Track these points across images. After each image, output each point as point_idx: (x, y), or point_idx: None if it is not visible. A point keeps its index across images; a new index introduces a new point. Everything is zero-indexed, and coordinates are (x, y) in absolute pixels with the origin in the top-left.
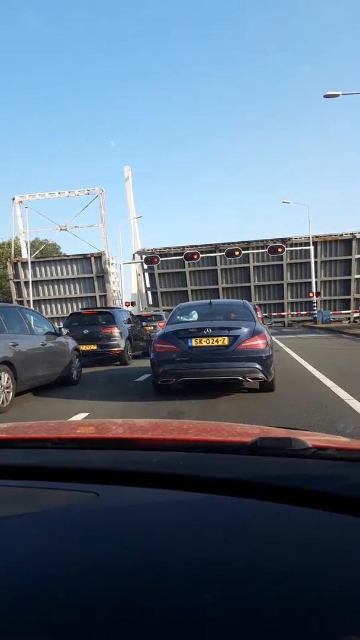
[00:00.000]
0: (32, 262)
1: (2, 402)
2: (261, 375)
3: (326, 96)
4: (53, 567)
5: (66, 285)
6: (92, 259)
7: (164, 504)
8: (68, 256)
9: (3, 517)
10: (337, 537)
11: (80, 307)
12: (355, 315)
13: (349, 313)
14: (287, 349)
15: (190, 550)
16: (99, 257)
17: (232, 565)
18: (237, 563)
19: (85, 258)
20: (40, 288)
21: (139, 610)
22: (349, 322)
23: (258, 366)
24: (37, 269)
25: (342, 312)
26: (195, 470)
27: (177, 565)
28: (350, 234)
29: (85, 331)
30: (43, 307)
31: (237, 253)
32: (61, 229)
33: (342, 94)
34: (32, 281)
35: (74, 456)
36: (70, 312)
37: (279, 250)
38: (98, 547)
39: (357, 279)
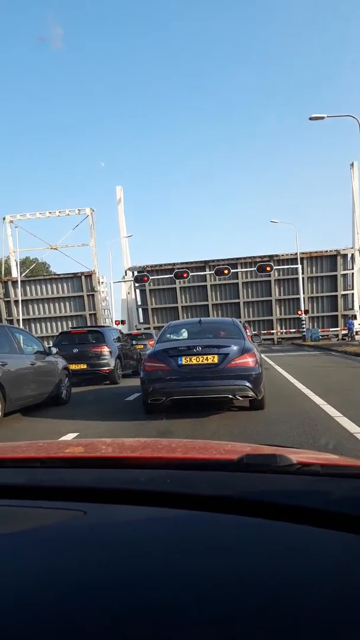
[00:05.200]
0: (22, 281)
1: None
2: (251, 393)
3: (311, 118)
4: (42, 585)
5: (56, 304)
6: (83, 277)
7: (151, 520)
8: (58, 275)
9: None
10: (320, 551)
11: (70, 325)
12: (344, 332)
13: (337, 330)
14: (276, 367)
15: (177, 565)
16: (89, 275)
17: (219, 579)
18: (224, 577)
19: (75, 277)
20: (30, 307)
21: (129, 626)
22: (338, 340)
23: (248, 384)
24: (27, 287)
25: (331, 329)
26: (181, 488)
27: (165, 580)
28: (335, 250)
29: (75, 350)
30: (33, 325)
31: (226, 272)
32: (51, 248)
33: (327, 117)
34: (22, 300)
35: (62, 475)
36: (60, 330)
37: (267, 269)
38: (87, 564)
39: (343, 295)
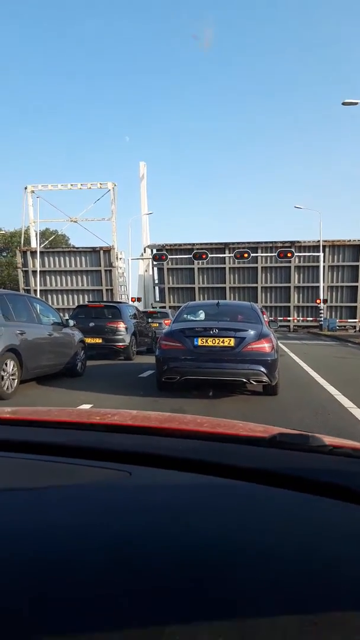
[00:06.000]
0: (41, 252)
1: (7, 389)
2: (265, 379)
3: (344, 104)
4: (84, 535)
5: (73, 277)
6: (101, 252)
7: (192, 485)
8: (77, 248)
9: (42, 488)
10: (352, 524)
11: (86, 299)
12: None
13: (355, 322)
14: (292, 354)
15: (215, 528)
16: (107, 251)
17: (253, 542)
18: (259, 542)
19: (94, 251)
20: (47, 278)
21: (164, 577)
22: (355, 331)
23: (263, 369)
24: (46, 259)
25: (349, 320)
26: (218, 458)
27: (204, 540)
28: (358, 240)
29: (92, 324)
30: (49, 297)
31: (245, 255)
32: (71, 221)
33: None
34: (40, 271)
35: (104, 438)
36: (76, 303)
37: (289, 255)
38: (131, 522)
39: None
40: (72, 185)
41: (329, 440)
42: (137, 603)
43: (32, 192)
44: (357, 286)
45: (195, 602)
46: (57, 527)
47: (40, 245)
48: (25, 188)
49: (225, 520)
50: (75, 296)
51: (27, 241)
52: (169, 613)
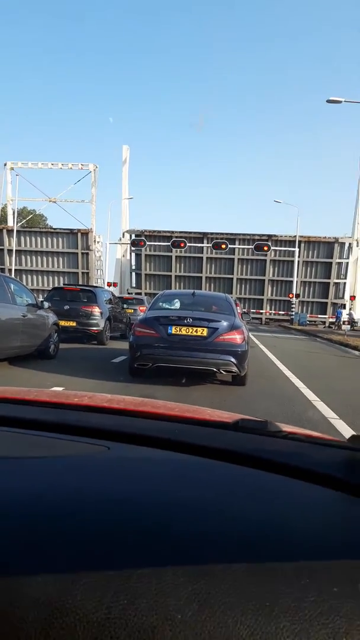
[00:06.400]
0: (17, 231)
1: None
2: (235, 369)
3: (329, 101)
4: (69, 501)
5: (50, 258)
6: (79, 234)
7: (165, 460)
8: (55, 229)
9: (26, 457)
10: (299, 496)
11: (62, 281)
12: (331, 320)
13: (325, 318)
14: (262, 347)
15: (184, 497)
16: (85, 233)
17: (218, 508)
18: (222, 507)
19: (72, 233)
20: (23, 258)
21: (141, 533)
22: (324, 327)
23: (233, 360)
24: (22, 238)
25: (319, 316)
26: (188, 438)
27: (173, 507)
28: (333, 237)
29: (66, 307)
30: (24, 277)
31: (223, 246)
32: (50, 201)
33: (345, 101)
34: (16, 250)
35: (86, 417)
36: (51, 285)
37: (265, 249)
38: (109, 489)
39: (336, 283)
40: (52, 164)
41: (286, 428)
42: (116, 551)
43: (12, 169)
44: (329, 283)
45: (167, 548)
46: (42, 490)
47: (17, 224)
48: (5, 164)
49: (193, 489)
50: (51, 278)
51: (4, 219)
52: (146, 560)
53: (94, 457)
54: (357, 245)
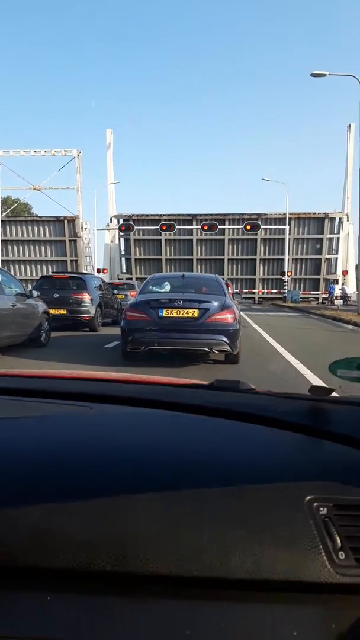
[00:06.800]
0: (2, 221)
1: None
2: (227, 348)
3: (313, 75)
4: (56, 453)
5: (37, 247)
6: (65, 222)
7: (147, 415)
8: (40, 217)
9: (19, 417)
10: (264, 438)
11: (50, 270)
12: (324, 296)
13: (318, 294)
14: (255, 326)
15: (168, 447)
16: (72, 220)
17: (195, 452)
18: (198, 451)
19: (58, 221)
20: (9, 248)
21: (128, 474)
22: (317, 303)
23: (225, 339)
24: (8, 228)
25: (312, 292)
26: (166, 397)
27: (158, 453)
28: (323, 213)
29: (56, 295)
30: (12, 267)
31: (213, 227)
32: (34, 189)
33: (329, 74)
34: (2, 240)
35: (73, 385)
36: (39, 274)
37: (255, 228)
38: (92, 439)
39: (327, 259)
40: (35, 151)
41: (257, 389)
42: (96, 482)
43: None
44: (320, 259)
45: (142, 478)
46: (29, 443)
47: (1, 213)
48: None
49: (172, 437)
50: (39, 266)
51: None
52: (123, 487)
53: (78, 414)
54: (348, 220)
